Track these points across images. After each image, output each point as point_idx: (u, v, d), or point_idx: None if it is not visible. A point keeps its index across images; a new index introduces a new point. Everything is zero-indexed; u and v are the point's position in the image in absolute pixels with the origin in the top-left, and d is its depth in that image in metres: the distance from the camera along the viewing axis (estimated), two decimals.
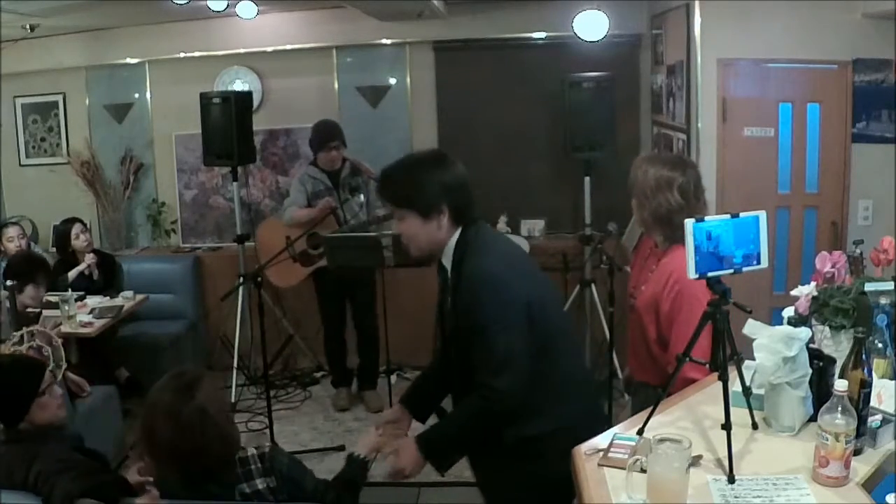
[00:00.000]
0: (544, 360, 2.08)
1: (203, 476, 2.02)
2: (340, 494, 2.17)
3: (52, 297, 4.37)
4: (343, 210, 4.58)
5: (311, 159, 4.71)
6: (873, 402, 1.79)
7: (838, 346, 2.06)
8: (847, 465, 1.62)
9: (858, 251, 2.29)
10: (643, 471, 1.62)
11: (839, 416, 1.60)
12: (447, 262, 2.14)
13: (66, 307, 4.18)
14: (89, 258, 4.84)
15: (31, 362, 2.54)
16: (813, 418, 1.79)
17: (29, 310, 3.81)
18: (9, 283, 3.75)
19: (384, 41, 5.46)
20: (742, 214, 1.78)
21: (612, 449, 1.85)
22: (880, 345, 2.00)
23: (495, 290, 2.00)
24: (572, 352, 2.28)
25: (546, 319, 2.09)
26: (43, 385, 2.30)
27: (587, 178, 4.62)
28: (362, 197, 4.59)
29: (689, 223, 1.74)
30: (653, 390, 2.46)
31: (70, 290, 4.47)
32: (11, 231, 4.89)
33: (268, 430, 4.08)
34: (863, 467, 1.68)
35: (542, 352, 2.08)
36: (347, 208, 4.60)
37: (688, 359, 1.90)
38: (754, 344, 1.86)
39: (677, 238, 2.32)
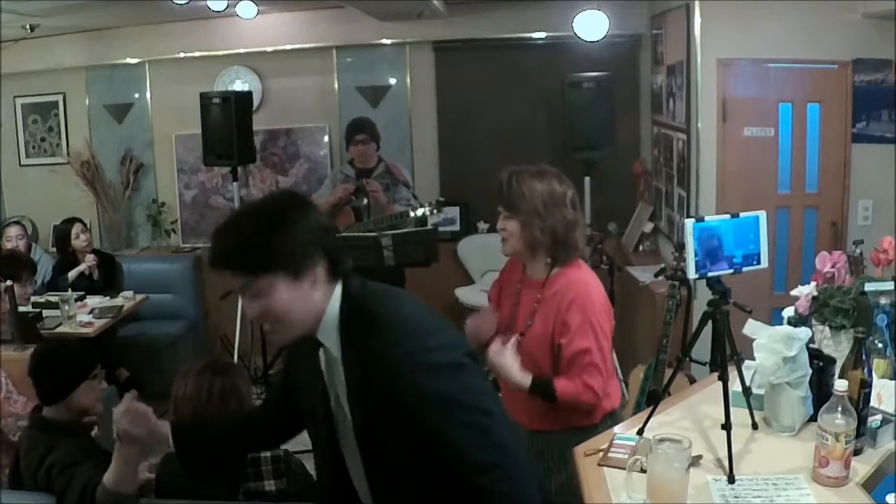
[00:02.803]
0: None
1: (207, 472, 2.04)
2: None
3: (53, 297, 4.37)
4: (369, 209, 4.47)
5: (349, 158, 4.60)
6: (873, 402, 1.79)
7: (838, 346, 2.06)
8: (847, 465, 1.62)
9: (858, 251, 2.29)
10: (643, 471, 1.62)
11: (839, 416, 1.60)
12: (328, 335, 1.48)
13: (66, 307, 4.17)
14: (89, 258, 4.84)
15: (88, 347, 2.73)
16: (813, 418, 1.79)
17: (20, 308, 3.80)
18: (8, 282, 3.76)
19: (384, 41, 5.46)
20: (742, 214, 1.79)
21: (612, 449, 1.85)
22: (880, 345, 2.00)
23: (431, 338, 1.43)
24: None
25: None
26: (94, 371, 2.40)
27: (587, 178, 4.61)
28: (405, 191, 4.51)
29: (689, 223, 1.74)
30: (552, 436, 2.22)
31: (70, 290, 4.47)
32: (12, 231, 4.89)
33: None
34: (863, 467, 1.68)
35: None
36: (378, 206, 4.42)
37: (688, 359, 1.90)
38: (754, 344, 1.87)
39: (569, 258, 2.18)
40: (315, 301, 1.46)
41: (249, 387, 2.24)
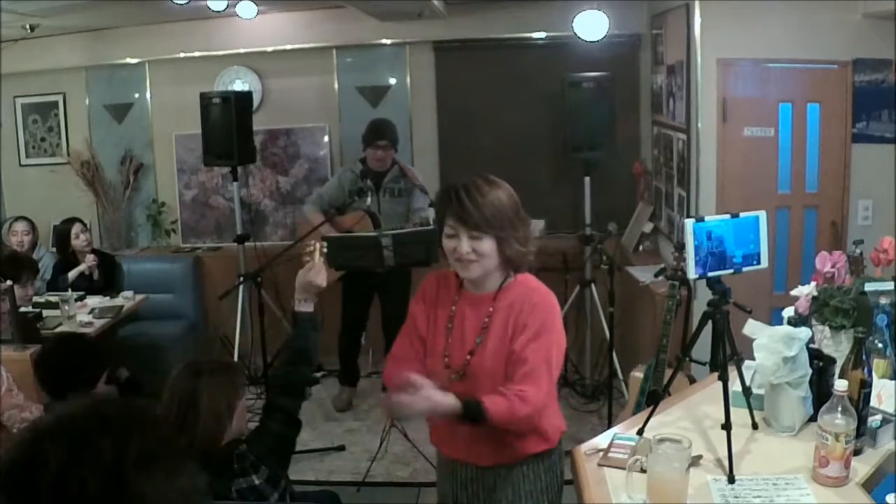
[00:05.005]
0: None
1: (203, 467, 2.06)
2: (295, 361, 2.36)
3: (53, 297, 4.37)
4: (380, 213, 4.49)
5: (361, 156, 4.61)
6: (873, 402, 1.79)
7: (838, 346, 2.06)
8: (847, 465, 1.62)
9: (858, 251, 2.30)
10: (643, 471, 1.62)
11: (839, 416, 1.60)
12: None
13: (66, 307, 4.17)
14: (89, 258, 4.83)
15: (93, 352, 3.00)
16: (813, 418, 1.79)
17: (21, 309, 3.80)
18: (8, 282, 3.75)
19: (384, 41, 5.46)
20: (742, 214, 1.79)
21: (612, 449, 1.85)
22: (880, 345, 2.00)
23: None
24: None
25: None
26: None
27: (587, 178, 4.61)
28: (422, 200, 4.47)
29: (689, 223, 1.74)
30: (506, 471, 1.98)
31: (70, 290, 4.47)
32: (18, 226, 4.90)
33: None
34: (863, 467, 1.68)
35: None
36: (391, 211, 4.48)
37: (688, 359, 1.90)
38: (754, 344, 1.87)
39: (522, 265, 1.98)
40: None
41: (246, 384, 2.28)
